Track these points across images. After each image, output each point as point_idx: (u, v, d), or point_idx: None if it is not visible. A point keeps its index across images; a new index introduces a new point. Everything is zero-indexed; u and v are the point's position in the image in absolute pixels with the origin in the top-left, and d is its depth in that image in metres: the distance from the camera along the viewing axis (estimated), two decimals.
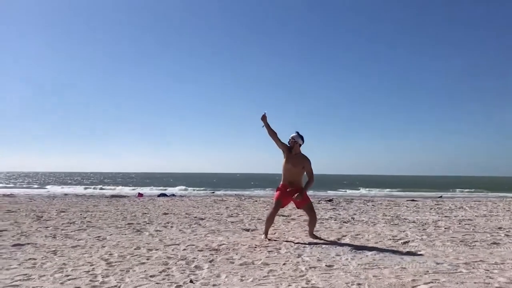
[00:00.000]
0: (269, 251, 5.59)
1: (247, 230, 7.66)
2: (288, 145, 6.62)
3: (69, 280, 4.15)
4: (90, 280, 4.12)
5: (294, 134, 6.61)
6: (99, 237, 6.83)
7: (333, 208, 12.44)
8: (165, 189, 34.93)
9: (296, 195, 6.45)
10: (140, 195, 20.51)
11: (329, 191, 31.80)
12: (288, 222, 8.86)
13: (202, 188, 40.01)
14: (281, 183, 6.73)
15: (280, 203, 6.61)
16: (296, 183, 6.63)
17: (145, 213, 10.66)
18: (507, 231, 7.43)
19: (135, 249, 5.77)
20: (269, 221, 6.67)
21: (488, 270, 4.46)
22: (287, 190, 6.61)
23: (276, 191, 6.76)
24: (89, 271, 4.49)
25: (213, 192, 31.36)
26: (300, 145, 6.65)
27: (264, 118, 6.52)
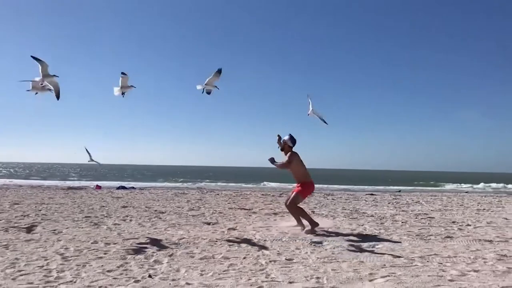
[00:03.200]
0: (229, 245, 5.58)
1: (208, 223, 7.61)
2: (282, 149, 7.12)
3: (21, 275, 4.00)
4: (44, 276, 3.99)
5: (286, 137, 7.07)
6: (54, 230, 6.62)
7: None
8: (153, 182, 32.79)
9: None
10: (98, 187, 20.04)
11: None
12: (249, 215, 8.87)
13: (188, 181, 36.93)
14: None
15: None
16: (297, 180, 7.04)
17: (103, 206, 10.43)
18: (460, 225, 7.71)
19: (92, 243, 5.64)
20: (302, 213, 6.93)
21: (441, 263, 4.61)
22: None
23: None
24: (43, 266, 4.35)
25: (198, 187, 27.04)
26: (290, 146, 7.03)
27: (272, 161, 6.98)
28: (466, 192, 23.54)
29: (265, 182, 35.87)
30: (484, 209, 11.17)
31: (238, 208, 10.34)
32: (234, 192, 17.11)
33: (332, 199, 14.14)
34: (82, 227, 6.97)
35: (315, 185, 7.08)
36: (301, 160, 6.97)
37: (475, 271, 4.29)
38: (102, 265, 4.41)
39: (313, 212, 9.75)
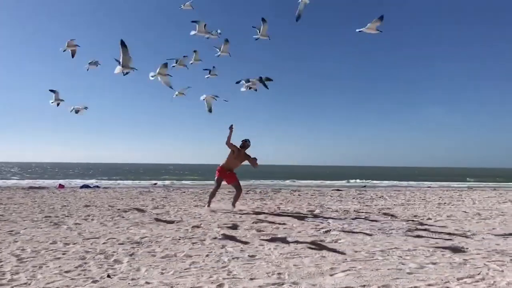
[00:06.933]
0: (193, 243, 5.52)
1: (172, 222, 7.51)
2: (239, 146, 9.13)
3: None
4: None
5: (248, 138, 9.22)
6: (11, 231, 6.39)
7: (261, 198, 12.57)
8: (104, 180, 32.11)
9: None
10: (61, 186, 19.55)
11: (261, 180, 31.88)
12: (215, 213, 8.81)
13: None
14: (220, 167, 9.21)
15: (221, 180, 9.16)
16: (232, 170, 9.26)
17: (65, 206, 10.15)
18: (421, 219, 7.89)
19: (51, 243, 5.47)
20: (212, 195, 9.39)
21: (401, 257, 4.71)
22: (226, 172, 9.17)
23: (217, 171, 9.20)
24: None
25: (155, 184, 27.55)
26: (249, 146, 9.22)
27: (231, 129, 8.98)
28: (429, 187, 24.12)
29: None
30: (445, 203, 11.49)
31: (204, 205, 10.25)
32: (201, 190, 16.99)
33: (299, 195, 14.24)
34: (41, 227, 6.76)
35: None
36: None
37: (433, 263, 4.40)
38: (60, 266, 4.29)
39: (278, 208, 9.80)
